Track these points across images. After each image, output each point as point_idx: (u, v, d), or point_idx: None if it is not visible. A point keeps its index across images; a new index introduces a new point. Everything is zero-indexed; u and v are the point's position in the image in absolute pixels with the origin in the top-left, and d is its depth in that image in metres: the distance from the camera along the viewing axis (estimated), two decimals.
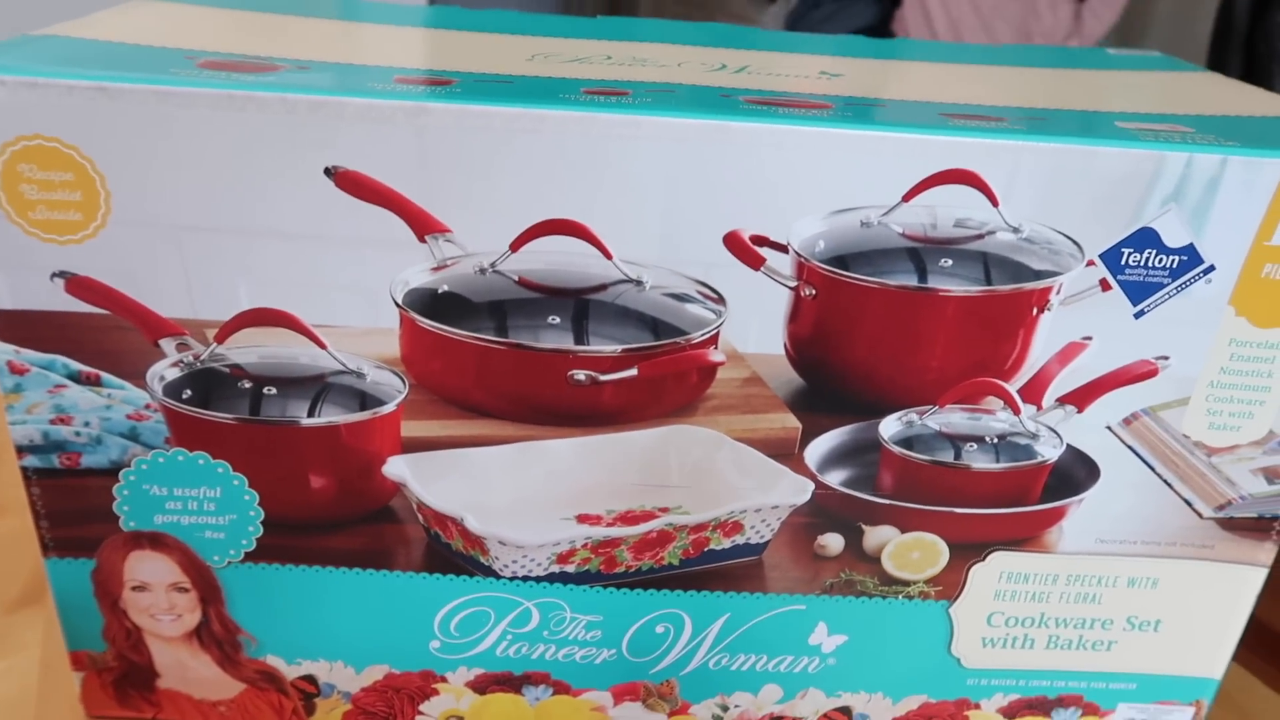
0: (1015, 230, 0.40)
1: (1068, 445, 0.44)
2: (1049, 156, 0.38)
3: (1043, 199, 0.39)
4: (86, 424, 0.43)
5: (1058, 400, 0.43)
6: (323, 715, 0.50)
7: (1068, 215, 0.39)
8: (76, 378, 0.42)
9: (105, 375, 0.42)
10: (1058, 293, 0.41)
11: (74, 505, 0.44)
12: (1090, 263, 0.40)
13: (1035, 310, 0.42)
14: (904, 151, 0.38)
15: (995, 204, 0.39)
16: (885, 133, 0.38)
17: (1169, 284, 0.40)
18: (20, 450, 0.43)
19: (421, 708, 0.50)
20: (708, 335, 0.42)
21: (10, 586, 0.57)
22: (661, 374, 0.43)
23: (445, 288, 0.41)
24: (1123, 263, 0.40)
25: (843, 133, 0.38)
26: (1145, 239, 0.39)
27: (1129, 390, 0.42)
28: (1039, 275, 0.41)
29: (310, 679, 0.49)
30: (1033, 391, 0.43)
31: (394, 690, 0.49)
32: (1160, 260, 0.40)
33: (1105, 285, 0.40)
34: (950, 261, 0.41)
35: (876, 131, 0.38)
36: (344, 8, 0.53)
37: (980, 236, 0.40)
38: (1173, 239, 0.39)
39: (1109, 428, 0.43)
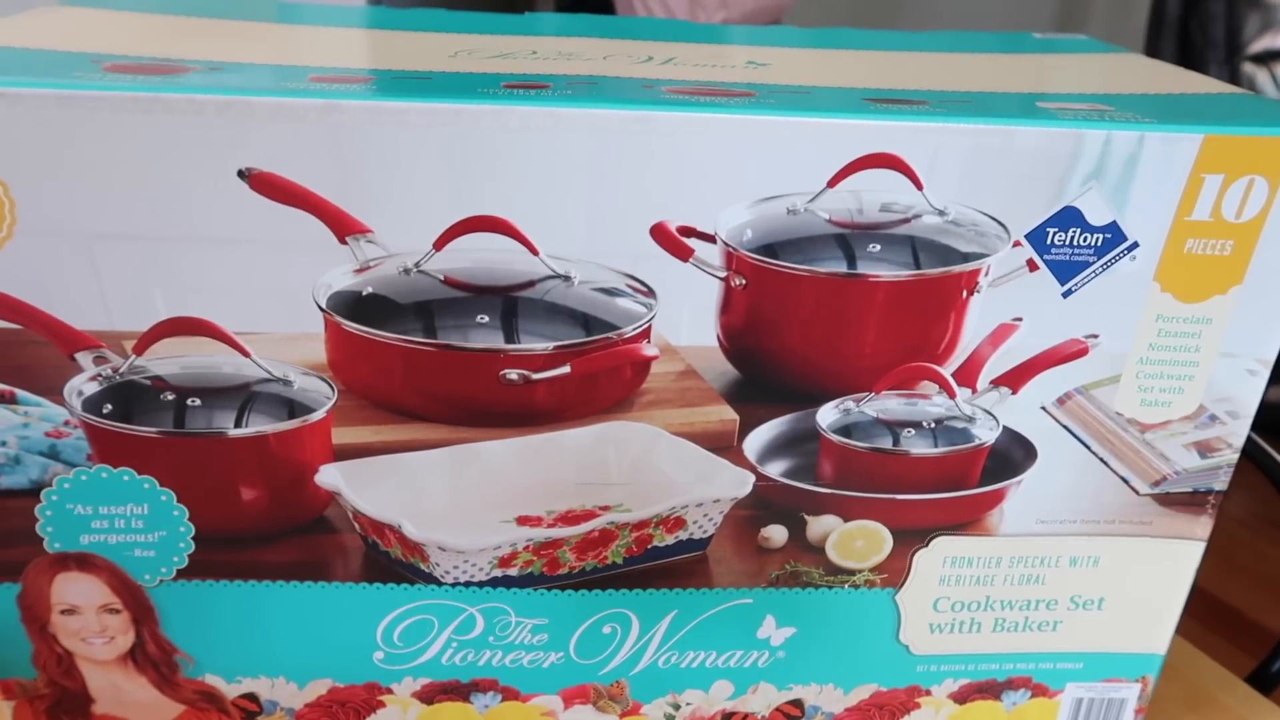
0: (941, 213, 0.40)
1: (1004, 427, 0.44)
2: (969, 137, 0.38)
3: (966, 180, 0.39)
4: (3, 443, 0.41)
5: (991, 382, 0.43)
6: None
7: (991, 196, 0.39)
8: None
9: (20, 392, 0.41)
10: (986, 274, 0.41)
11: None
12: (1017, 243, 0.40)
13: (965, 293, 0.42)
14: (827, 137, 0.38)
15: (919, 187, 0.39)
16: (807, 118, 0.38)
17: (1094, 262, 0.40)
18: None
19: None
20: (640, 329, 0.42)
21: None
22: (595, 370, 0.42)
23: (369, 290, 0.41)
24: (1048, 242, 0.40)
25: (765, 119, 0.38)
26: (1069, 218, 0.40)
27: (1061, 370, 0.42)
28: (967, 257, 0.41)
29: (252, 697, 0.48)
30: (966, 375, 0.43)
31: (339, 704, 0.48)
32: (1085, 239, 0.40)
33: (1032, 265, 0.41)
34: (878, 246, 0.41)
35: (799, 118, 0.38)
36: (278, 11, 0.53)
37: (906, 220, 0.40)
38: (1096, 217, 0.40)
39: (1043, 408, 0.43)
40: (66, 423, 0.41)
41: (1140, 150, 0.38)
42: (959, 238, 0.40)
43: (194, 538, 0.43)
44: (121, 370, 0.41)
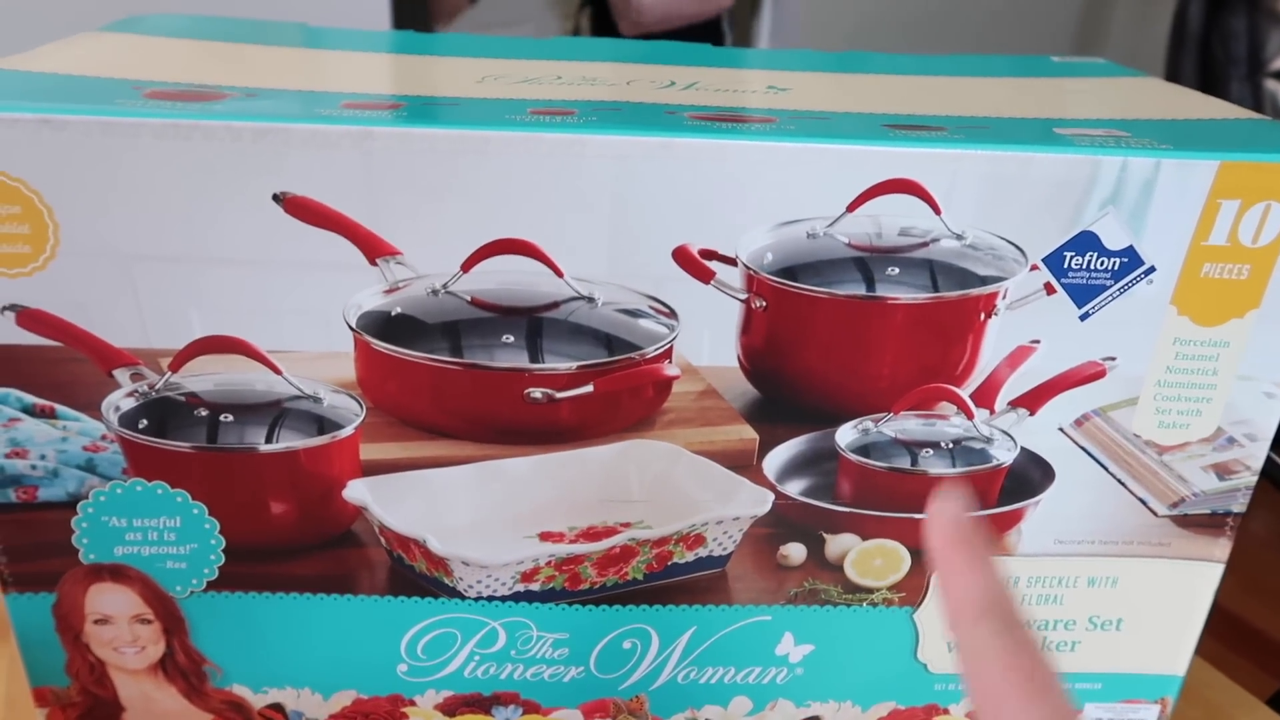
0: (959, 237, 0.40)
1: (1022, 448, 0.44)
2: (987, 164, 0.39)
3: (984, 205, 0.40)
4: (42, 457, 0.42)
5: (1009, 404, 0.44)
6: None
7: (1009, 221, 0.40)
8: (31, 410, 0.42)
9: (59, 407, 0.42)
10: (1004, 297, 0.42)
11: (31, 540, 0.44)
12: (1034, 267, 0.41)
13: (983, 315, 0.42)
14: (846, 162, 0.38)
15: (938, 212, 0.39)
16: (827, 144, 0.38)
17: (1111, 286, 0.41)
18: None
19: None
20: (661, 349, 0.43)
21: None
22: (617, 389, 0.43)
23: (398, 310, 0.42)
24: (1065, 266, 0.41)
25: (785, 146, 0.38)
26: (1086, 242, 0.40)
27: (1079, 392, 0.43)
28: (985, 281, 0.41)
29: (278, 707, 0.49)
30: (985, 396, 0.43)
31: (363, 715, 0.49)
32: (1102, 263, 0.40)
33: (1050, 289, 0.41)
34: (897, 270, 0.41)
35: (818, 144, 0.38)
36: (306, 36, 0.54)
37: (925, 244, 0.41)
38: (1113, 241, 0.40)
39: (1061, 429, 0.44)
40: (104, 437, 0.42)
41: (1156, 176, 0.39)
42: (977, 261, 0.41)
43: (225, 550, 0.44)
44: (157, 387, 0.42)
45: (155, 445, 0.42)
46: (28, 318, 0.39)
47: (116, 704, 0.48)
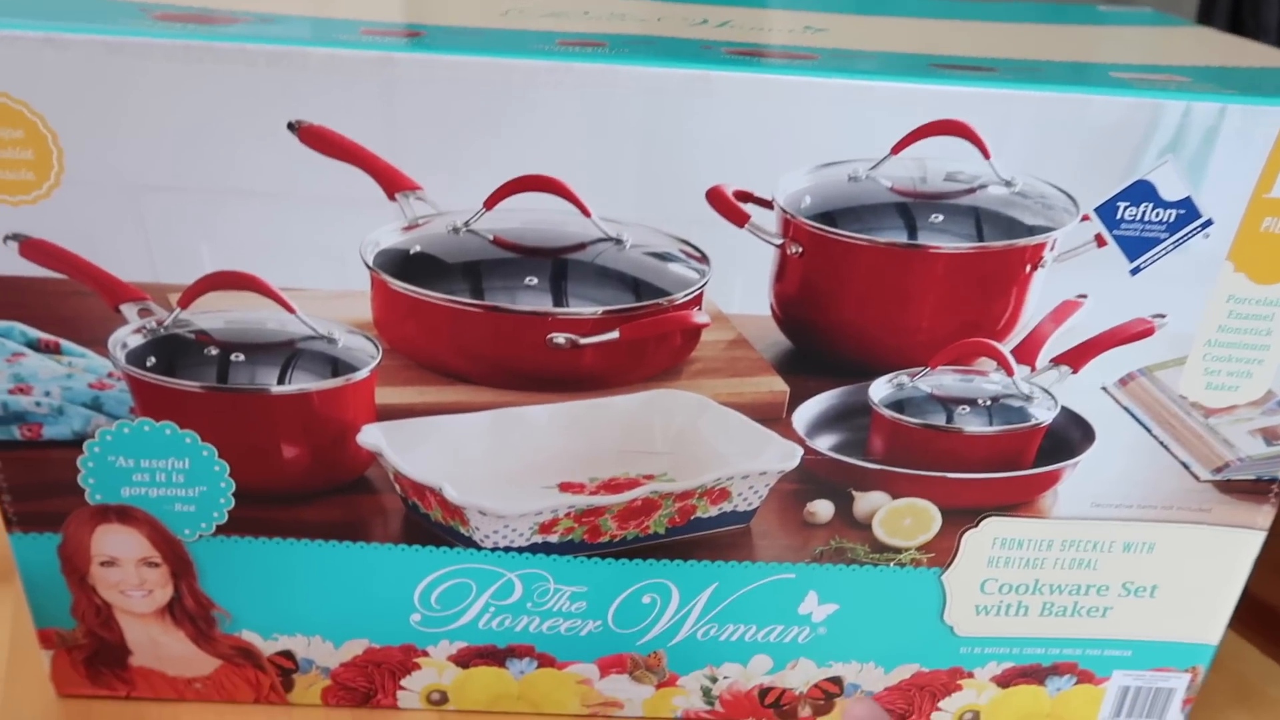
0: (1008, 184, 0.38)
1: (1062, 407, 0.43)
2: (1041, 106, 0.37)
3: (1035, 151, 0.38)
4: (47, 394, 0.41)
5: (1052, 361, 0.42)
6: (301, 691, 0.49)
7: (1061, 168, 0.38)
8: (35, 345, 0.40)
9: (64, 342, 0.40)
10: (1051, 249, 0.40)
11: (37, 479, 0.43)
12: (1085, 217, 0.39)
13: (1029, 267, 0.40)
14: (892, 102, 0.36)
15: (987, 156, 0.37)
16: (873, 82, 0.36)
17: (1166, 239, 0.39)
18: None
19: (403, 682, 0.49)
20: (691, 296, 0.41)
21: None
22: (644, 336, 0.41)
23: (417, 248, 0.40)
24: (1118, 217, 0.39)
25: (829, 82, 0.36)
26: (1141, 192, 0.38)
27: (1125, 350, 0.41)
28: (1032, 230, 0.39)
29: (288, 654, 0.48)
30: (1026, 352, 0.42)
31: (374, 665, 0.48)
32: (1157, 214, 0.38)
33: (1100, 241, 0.39)
34: (941, 217, 0.39)
35: (864, 81, 0.36)
36: None
37: (971, 191, 0.39)
38: (1169, 192, 0.38)
39: (1104, 389, 0.42)
40: (110, 375, 0.41)
41: (1220, 123, 0.37)
42: (1025, 210, 0.39)
43: (234, 494, 0.43)
44: (166, 323, 0.40)
45: (163, 384, 0.41)
46: (31, 248, 0.38)
47: (123, 647, 0.47)
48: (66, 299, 0.39)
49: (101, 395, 0.41)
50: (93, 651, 0.48)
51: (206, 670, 0.48)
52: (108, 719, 0.48)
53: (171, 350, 0.40)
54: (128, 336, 0.40)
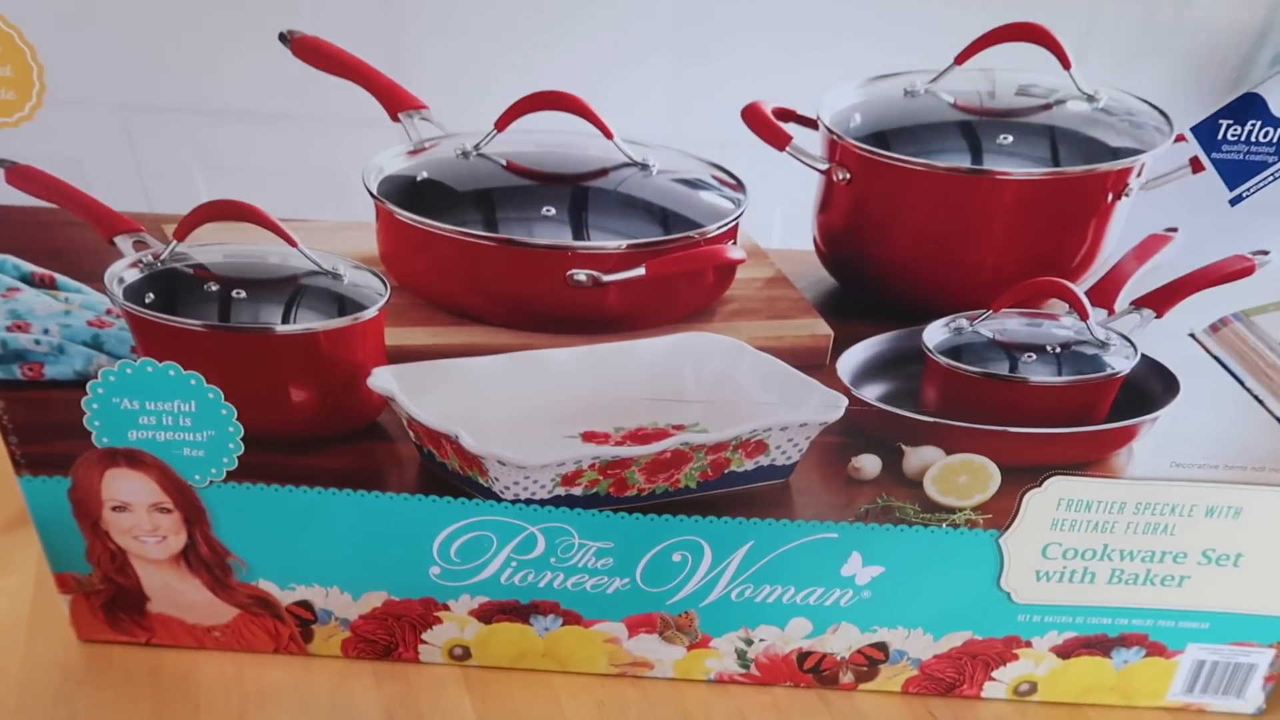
0: (1090, 99, 0.34)
1: (1142, 355, 0.38)
2: (1135, 7, 0.32)
3: (1124, 60, 0.33)
4: (46, 331, 0.39)
5: (1133, 303, 0.38)
6: (321, 642, 0.47)
7: (1154, 80, 0.33)
8: (29, 280, 0.38)
9: (60, 277, 0.38)
10: (1138, 174, 0.35)
11: (42, 419, 0.41)
12: (1179, 138, 0.34)
13: (1110, 196, 0.36)
14: (956, 2, 0.32)
15: (1067, 66, 0.33)
16: None
17: (1274, 163, 0.34)
18: None
19: (424, 636, 0.47)
20: (725, 228, 0.37)
21: (5, 505, 0.54)
22: (673, 273, 0.38)
23: (424, 174, 0.37)
24: (1219, 137, 0.34)
25: None
26: (1249, 108, 0.33)
27: (1218, 291, 0.37)
28: (1116, 154, 0.35)
29: (306, 605, 0.46)
30: (1104, 293, 0.37)
31: (394, 618, 0.46)
32: (1265, 134, 0.34)
33: (1196, 165, 0.34)
34: (1010, 137, 0.35)
35: None
36: None
37: (1047, 107, 0.34)
38: None
39: (1192, 335, 0.38)
40: (109, 311, 0.39)
41: None
42: (1109, 129, 0.34)
43: (244, 439, 0.41)
44: (163, 257, 0.38)
45: (164, 322, 0.38)
46: (18, 175, 0.36)
47: (141, 593, 0.46)
48: (59, 229, 0.37)
49: (101, 333, 0.39)
50: (110, 597, 0.46)
51: (225, 619, 0.47)
52: (129, 664, 0.48)
53: (170, 286, 0.38)
54: (124, 271, 0.38)
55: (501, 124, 0.34)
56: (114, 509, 0.43)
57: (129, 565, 0.45)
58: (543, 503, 0.41)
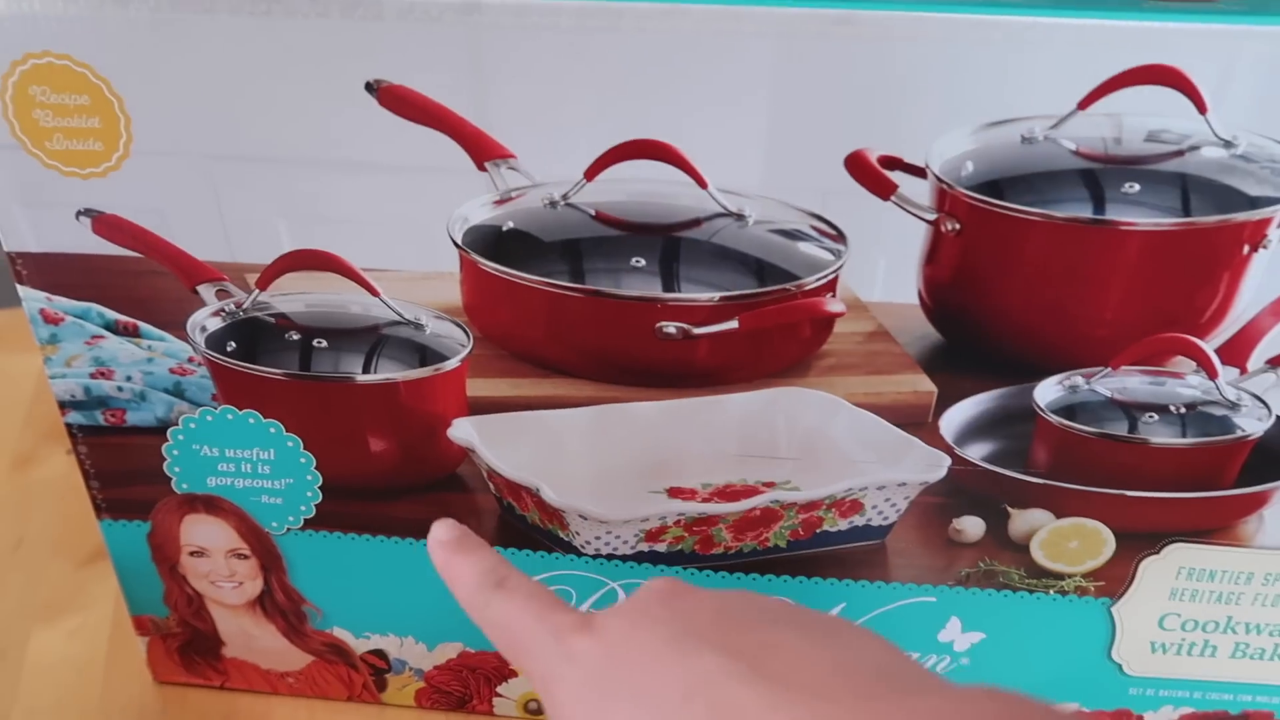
0: (1227, 144, 0.31)
1: (1277, 417, 0.35)
2: (1276, 45, 0.29)
3: (1266, 103, 0.30)
4: (129, 378, 0.39)
5: (1268, 362, 0.35)
6: (395, 692, 0.46)
7: None
8: (113, 327, 0.38)
9: (143, 325, 0.38)
10: (1279, 225, 0.32)
11: (123, 465, 0.41)
12: None
13: (1246, 248, 0.33)
14: (1083, 43, 0.30)
15: (1203, 110, 0.30)
16: (1057, 19, 0.30)
17: None
18: (63, 406, 0.40)
19: (499, 689, 0.46)
20: (824, 280, 0.35)
21: (84, 539, 0.55)
22: (767, 326, 0.36)
23: (511, 224, 0.36)
24: None
25: (999, 20, 0.30)
26: None
27: None
28: (1255, 202, 0.32)
29: (380, 654, 0.45)
30: (1236, 351, 0.34)
31: (469, 670, 0.45)
32: None
33: None
34: (1137, 186, 0.32)
35: (1045, 18, 0.30)
36: None
37: (1180, 154, 0.31)
38: None
39: None
40: (190, 359, 0.38)
41: None
42: (1247, 177, 0.32)
43: (322, 488, 0.40)
44: (245, 306, 0.37)
45: (245, 370, 0.38)
46: (104, 224, 0.35)
47: (216, 638, 0.46)
48: (142, 279, 0.37)
49: (183, 381, 0.39)
50: (186, 640, 0.46)
51: (299, 665, 0.46)
52: (204, 707, 0.47)
53: (252, 334, 0.38)
54: (206, 319, 0.37)
55: (591, 173, 0.33)
56: (192, 554, 0.43)
57: (205, 610, 0.45)
58: (625, 559, 0.40)
